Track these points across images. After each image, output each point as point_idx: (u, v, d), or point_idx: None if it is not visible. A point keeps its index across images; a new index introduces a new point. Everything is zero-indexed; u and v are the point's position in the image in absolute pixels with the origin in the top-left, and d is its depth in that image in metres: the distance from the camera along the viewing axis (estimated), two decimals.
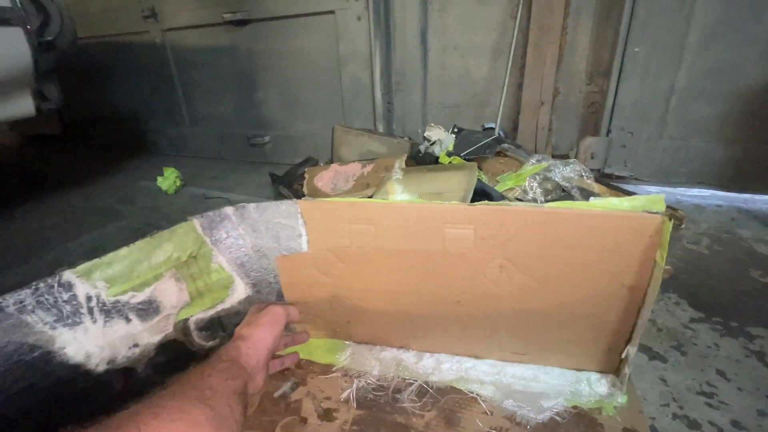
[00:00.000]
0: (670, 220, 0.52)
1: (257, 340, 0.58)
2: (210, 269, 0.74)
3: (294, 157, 2.07)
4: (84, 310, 0.60)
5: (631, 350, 0.62)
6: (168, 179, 1.88)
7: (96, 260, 0.61)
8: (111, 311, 0.63)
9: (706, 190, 1.51)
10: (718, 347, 0.80)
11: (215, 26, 2.08)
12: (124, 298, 0.64)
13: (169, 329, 0.70)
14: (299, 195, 1.50)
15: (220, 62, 2.21)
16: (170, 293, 0.69)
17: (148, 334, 0.68)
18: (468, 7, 1.64)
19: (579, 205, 0.57)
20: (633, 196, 0.55)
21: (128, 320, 0.65)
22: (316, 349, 0.83)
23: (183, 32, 2.21)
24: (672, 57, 1.37)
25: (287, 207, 0.72)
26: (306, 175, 1.51)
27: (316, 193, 1.43)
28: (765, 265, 1.05)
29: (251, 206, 0.74)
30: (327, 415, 0.70)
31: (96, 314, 0.61)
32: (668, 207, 1.22)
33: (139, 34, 2.33)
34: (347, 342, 0.83)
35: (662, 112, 1.44)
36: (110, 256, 0.63)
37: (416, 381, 0.73)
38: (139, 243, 0.65)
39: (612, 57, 1.42)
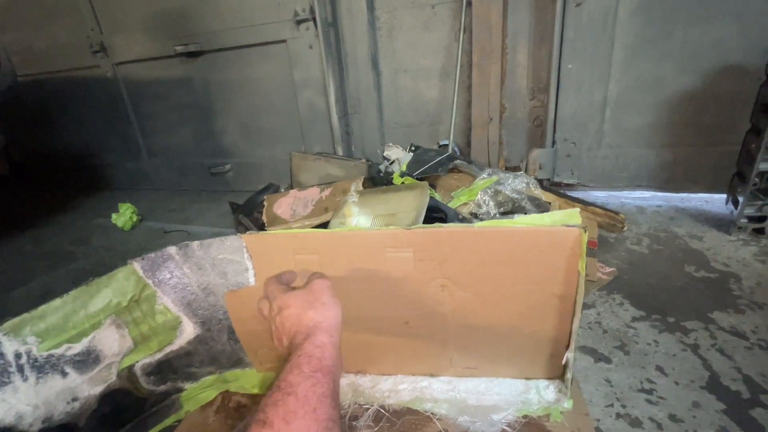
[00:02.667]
0: (585, 231, 0.56)
1: (332, 322, 0.51)
2: (154, 311, 0.72)
3: (256, 184, 2.05)
4: (13, 369, 0.57)
5: (570, 356, 0.66)
6: (124, 215, 1.82)
7: (25, 315, 0.59)
8: (44, 366, 0.60)
9: (646, 192, 1.61)
10: (657, 344, 0.85)
11: (168, 58, 2.07)
12: (58, 351, 0.62)
13: (112, 378, 0.68)
14: (259, 223, 1.48)
15: (176, 93, 2.19)
16: (111, 341, 0.67)
17: (88, 386, 0.65)
18: (414, 33, 1.72)
19: (505, 223, 0.60)
20: (551, 212, 0.59)
21: (64, 374, 0.62)
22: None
23: (135, 65, 2.18)
24: (601, 72, 1.48)
25: (232, 242, 0.72)
26: (265, 203, 1.50)
27: (275, 221, 1.43)
28: (698, 260, 1.13)
29: (195, 244, 0.73)
30: None
31: (27, 371, 0.59)
32: (610, 211, 1.29)
33: (89, 68, 2.29)
34: None
35: (599, 122, 1.55)
36: (42, 308, 0.60)
37: (373, 405, 0.74)
38: (74, 292, 0.63)
39: (549, 74, 1.52)
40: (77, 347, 0.63)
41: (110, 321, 0.67)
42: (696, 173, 1.50)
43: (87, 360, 0.64)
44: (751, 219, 1.20)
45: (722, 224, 1.30)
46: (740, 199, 1.21)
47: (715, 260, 1.12)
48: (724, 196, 1.36)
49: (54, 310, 0.61)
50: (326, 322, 0.50)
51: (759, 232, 1.20)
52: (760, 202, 1.17)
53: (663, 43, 1.39)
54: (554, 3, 1.42)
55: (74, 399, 0.64)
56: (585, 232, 0.56)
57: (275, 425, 0.37)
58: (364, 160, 1.60)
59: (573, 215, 0.57)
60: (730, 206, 1.31)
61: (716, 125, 1.42)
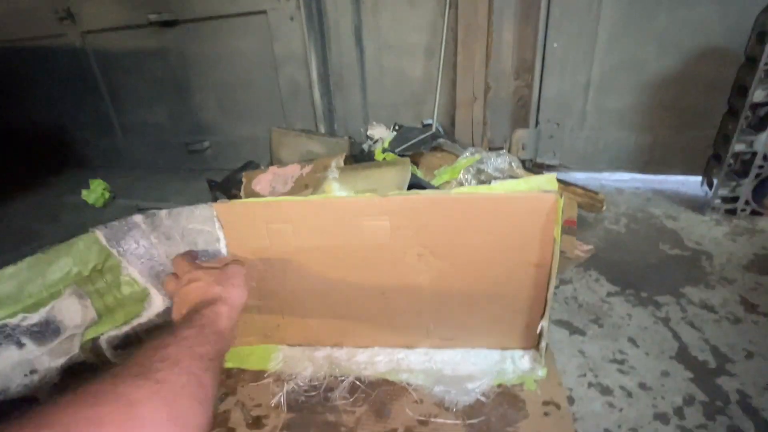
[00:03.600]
0: (561, 197, 0.55)
1: (236, 301, 0.54)
2: (120, 282, 0.69)
3: (236, 162, 1.99)
4: None
5: (544, 324, 0.66)
6: (95, 192, 1.75)
7: None
8: None
9: (626, 174, 1.63)
10: (630, 317, 0.87)
11: (141, 28, 1.96)
12: (13, 321, 0.58)
13: (75, 350, 0.65)
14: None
15: (151, 66, 2.08)
16: (72, 312, 0.63)
17: (48, 358, 0.62)
18: (400, 8, 1.67)
19: (482, 188, 0.59)
20: (528, 177, 0.58)
21: (21, 345, 0.59)
22: (247, 356, 0.80)
23: (105, 35, 2.06)
24: (586, 53, 1.47)
25: (202, 211, 0.69)
26: (243, 180, 1.46)
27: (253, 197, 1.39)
28: (672, 239, 1.15)
29: (163, 213, 0.70)
30: (256, 422, 0.68)
31: None
32: (590, 191, 1.30)
33: (55, 37, 2.14)
34: (280, 346, 0.81)
35: (582, 104, 1.55)
36: None
37: (348, 377, 0.73)
38: (29, 259, 0.60)
39: (534, 53, 1.50)
40: (34, 317, 0.60)
41: (71, 291, 0.63)
42: (673, 156, 1.52)
43: (45, 331, 0.61)
44: (724, 199, 1.23)
45: (697, 205, 1.32)
46: (715, 180, 1.24)
47: (689, 239, 1.15)
48: (699, 178, 1.38)
49: (7, 278, 0.58)
50: (231, 298, 0.53)
51: (731, 212, 1.23)
52: (733, 183, 1.19)
53: (646, 24, 1.39)
54: None
55: (32, 371, 0.61)
56: (561, 197, 0.55)
57: (137, 358, 0.39)
58: (346, 138, 1.57)
59: (550, 180, 0.56)
60: (705, 188, 1.34)
61: (694, 109, 1.44)
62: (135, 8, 1.90)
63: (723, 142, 1.23)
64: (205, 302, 0.51)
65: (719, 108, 1.27)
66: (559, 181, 1.34)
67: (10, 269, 0.58)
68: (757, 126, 1.12)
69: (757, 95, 1.08)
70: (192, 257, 0.62)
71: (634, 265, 1.05)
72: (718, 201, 1.23)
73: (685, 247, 1.11)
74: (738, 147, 1.15)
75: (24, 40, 2.22)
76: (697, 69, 1.39)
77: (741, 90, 1.16)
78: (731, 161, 1.19)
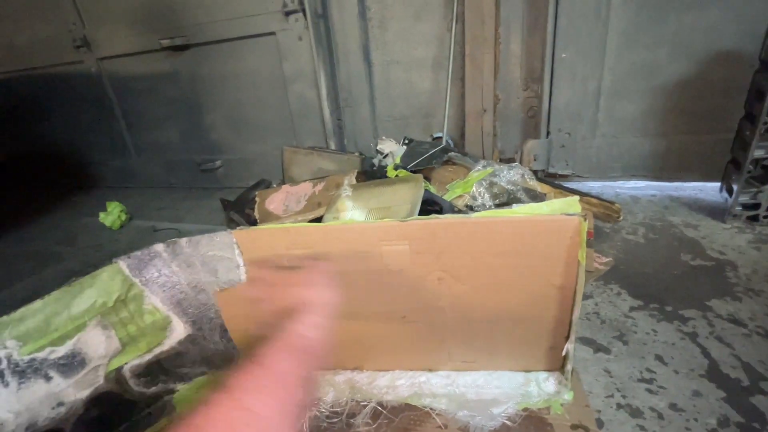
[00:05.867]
0: (585, 219, 0.54)
1: (325, 306, 0.47)
2: (142, 311, 0.69)
3: (248, 180, 2.01)
4: None
5: (570, 347, 0.64)
6: (112, 214, 1.78)
7: (4, 317, 0.56)
8: (26, 371, 0.58)
9: (641, 182, 1.61)
10: (656, 333, 0.85)
11: (154, 52, 2.02)
12: (41, 355, 0.59)
13: (100, 381, 0.66)
14: (251, 219, 1.46)
15: (163, 88, 2.13)
16: (97, 343, 0.64)
17: (74, 390, 0.63)
18: (406, 23, 1.69)
19: (503, 213, 0.58)
20: (551, 201, 0.58)
21: (48, 378, 0.60)
22: None
23: (119, 60, 2.12)
24: (595, 60, 1.46)
25: (222, 238, 0.70)
26: (257, 199, 1.47)
27: (267, 217, 1.40)
28: (693, 249, 1.13)
29: (183, 241, 0.70)
30: None
31: (7, 377, 0.56)
32: (606, 201, 1.29)
33: (72, 64, 2.22)
34: None
35: (593, 112, 1.54)
36: (21, 311, 0.58)
37: (370, 402, 0.72)
38: (56, 293, 0.61)
39: (543, 63, 1.50)
40: (61, 350, 0.60)
41: (95, 322, 0.64)
42: (690, 161, 1.49)
43: (72, 363, 0.62)
44: (745, 206, 1.20)
45: (717, 212, 1.30)
46: (734, 186, 1.21)
47: (711, 248, 1.12)
48: (718, 184, 1.36)
49: (34, 313, 0.59)
50: (320, 303, 0.48)
51: (753, 219, 1.20)
52: (754, 189, 1.17)
53: (657, 29, 1.38)
54: None
55: (60, 404, 0.61)
56: (585, 220, 0.54)
57: (234, 391, 0.34)
58: (357, 154, 1.58)
59: (572, 204, 0.56)
60: (725, 194, 1.31)
61: (710, 113, 1.41)
62: (148, 34, 1.96)
63: (741, 147, 1.21)
64: (294, 311, 0.45)
65: (736, 112, 1.25)
66: (574, 191, 1.33)
67: (37, 303, 0.59)
68: None
69: None
70: (278, 263, 0.55)
71: (656, 278, 1.03)
72: (738, 208, 1.20)
73: (707, 257, 1.09)
74: (758, 153, 1.12)
75: (44, 67, 2.30)
76: (711, 73, 1.38)
77: (758, 95, 1.14)
78: (750, 167, 1.16)
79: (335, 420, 0.70)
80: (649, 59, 1.42)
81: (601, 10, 1.40)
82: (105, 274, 0.65)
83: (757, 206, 1.18)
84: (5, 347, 0.56)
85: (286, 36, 1.76)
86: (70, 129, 2.48)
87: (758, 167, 1.17)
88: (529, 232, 0.57)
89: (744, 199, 1.19)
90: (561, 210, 0.56)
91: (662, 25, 1.38)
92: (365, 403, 0.72)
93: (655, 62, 1.42)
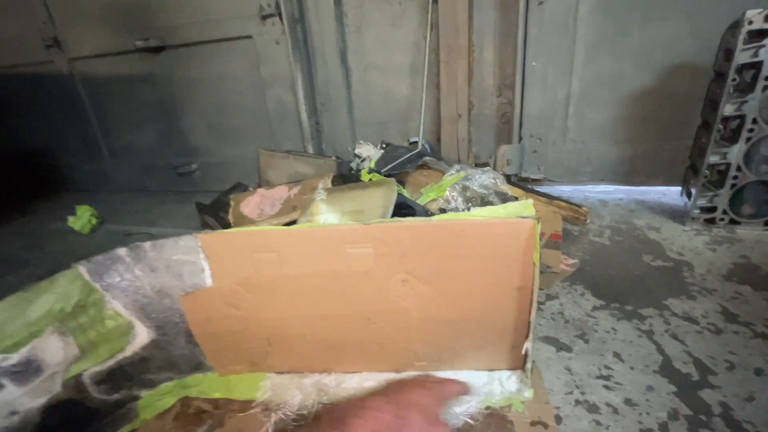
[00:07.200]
0: (538, 222, 0.56)
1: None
2: (103, 317, 0.68)
3: (225, 183, 1.99)
4: None
5: (528, 345, 0.67)
6: (81, 218, 1.73)
7: None
8: None
9: (609, 186, 1.67)
10: (615, 331, 0.88)
11: (128, 54, 1.98)
12: None
13: (57, 389, 0.64)
14: (226, 223, 1.44)
15: (138, 91, 2.10)
16: (53, 349, 0.63)
17: (28, 399, 0.61)
18: (383, 29, 1.71)
19: (462, 216, 0.60)
20: (507, 204, 0.60)
21: (1, 386, 0.58)
22: (235, 386, 0.79)
23: (92, 61, 2.08)
24: (564, 69, 1.52)
25: (186, 242, 0.69)
26: (231, 203, 1.46)
27: (242, 221, 1.39)
28: (654, 250, 1.18)
29: (147, 245, 0.70)
30: None
31: None
32: (574, 204, 1.33)
33: (42, 64, 2.16)
34: (268, 374, 0.81)
35: (563, 118, 1.59)
36: None
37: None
38: (10, 298, 0.59)
39: (514, 71, 1.55)
40: (14, 357, 0.59)
41: (52, 329, 0.63)
42: (654, 167, 1.56)
43: (26, 370, 0.60)
44: (702, 209, 1.26)
45: (677, 215, 1.36)
46: (693, 191, 1.27)
47: (671, 249, 1.17)
48: (680, 188, 1.42)
49: None
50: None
51: (710, 222, 1.26)
52: (710, 194, 1.23)
53: (621, 40, 1.44)
54: (517, 1, 1.45)
55: (12, 412, 0.59)
56: (538, 222, 0.57)
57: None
58: (333, 158, 1.59)
59: (527, 207, 0.58)
60: (684, 198, 1.37)
61: (671, 121, 1.48)
62: (122, 35, 1.93)
63: (698, 153, 1.27)
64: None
65: (694, 120, 1.32)
66: (544, 195, 1.37)
67: None
68: (730, 138, 1.16)
69: (727, 109, 1.12)
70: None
71: (619, 278, 1.07)
72: (697, 211, 1.26)
73: (667, 257, 1.13)
74: (713, 158, 1.18)
75: (10, 67, 2.23)
76: (672, 83, 1.45)
77: (712, 104, 1.20)
78: (707, 172, 1.22)
79: (302, 423, 0.70)
80: (615, 69, 1.48)
81: (569, 20, 1.45)
82: (64, 278, 0.64)
83: (713, 209, 1.24)
84: None
85: (263, 40, 1.76)
86: (40, 131, 2.41)
87: (714, 172, 1.23)
88: (486, 234, 0.59)
89: (701, 202, 1.25)
90: (516, 213, 0.58)
91: (626, 38, 1.44)
92: (332, 406, 0.72)
93: (621, 72, 1.48)
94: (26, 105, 2.34)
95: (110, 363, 0.70)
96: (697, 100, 1.30)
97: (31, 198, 2.41)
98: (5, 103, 2.39)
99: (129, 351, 0.72)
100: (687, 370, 0.76)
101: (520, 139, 1.64)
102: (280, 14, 1.66)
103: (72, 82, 2.15)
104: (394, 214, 1.07)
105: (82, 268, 0.66)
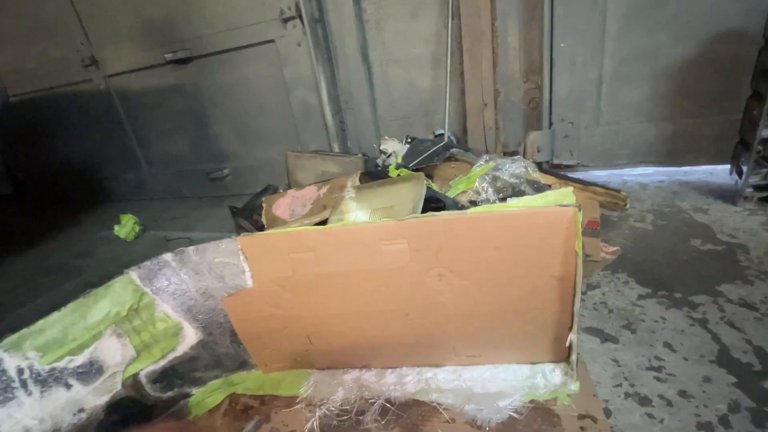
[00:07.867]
0: (580, 210, 0.54)
1: None
2: (154, 319, 0.72)
3: (255, 187, 2.05)
4: (16, 384, 0.58)
5: (573, 337, 0.65)
6: (126, 226, 1.83)
7: (24, 330, 0.59)
8: (47, 380, 0.60)
9: (648, 168, 1.58)
10: (664, 320, 0.84)
11: (159, 67, 2.07)
12: (60, 364, 0.62)
13: (117, 387, 0.68)
14: (259, 225, 1.48)
15: (170, 101, 2.19)
16: (113, 351, 0.67)
17: (93, 397, 0.65)
18: (402, 22, 1.69)
19: (498, 207, 0.59)
20: (545, 192, 0.58)
21: (69, 386, 0.63)
22: (279, 382, 0.82)
23: (127, 76, 2.18)
24: (595, 48, 1.45)
25: (227, 245, 0.72)
26: (264, 205, 1.50)
27: (274, 222, 1.43)
28: (704, 233, 1.11)
29: (190, 249, 0.73)
30: None
31: (30, 386, 0.59)
32: (612, 189, 1.27)
33: (81, 83, 2.29)
34: (310, 370, 0.83)
35: (596, 100, 1.52)
36: (40, 323, 0.61)
37: (379, 399, 0.73)
38: (72, 305, 0.63)
39: (541, 54, 1.49)
40: (79, 359, 0.63)
41: (110, 331, 0.67)
42: (698, 145, 1.46)
43: (90, 371, 0.65)
44: (756, 188, 1.17)
45: (727, 195, 1.27)
46: (744, 168, 1.19)
47: (722, 232, 1.10)
48: (728, 166, 1.33)
49: (52, 324, 0.61)
50: None
51: (765, 200, 1.17)
52: (765, 170, 1.14)
53: (657, 11, 1.35)
54: None
55: (80, 410, 0.64)
56: (579, 210, 0.55)
57: None
58: (359, 155, 1.59)
59: (567, 194, 0.56)
60: (735, 176, 1.28)
61: (716, 93, 1.38)
62: (152, 50, 2.01)
63: (750, 127, 1.18)
64: None
65: (742, 92, 1.22)
66: (578, 181, 1.32)
67: (55, 315, 0.62)
68: None
69: None
70: None
71: (665, 264, 1.01)
72: (749, 189, 1.18)
73: (718, 241, 1.07)
74: (766, 132, 1.10)
75: (54, 87, 2.38)
76: (715, 52, 1.35)
77: (764, 73, 1.11)
78: (760, 147, 1.13)
79: (345, 418, 0.72)
80: (651, 43, 1.40)
81: None
82: (117, 284, 0.68)
83: None
84: (27, 358, 0.59)
85: (285, 42, 1.78)
86: (83, 146, 2.56)
87: None
88: (525, 224, 0.57)
89: (755, 180, 1.17)
90: (556, 201, 0.56)
91: (662, 8, 1.35)
92: (374, 401, 0.73)
93: (657, 45, 1.39)
94: (69, 122, 2.49)
95: (163, 362, 0.74)
96: (745, 69, 1.21)
97: (78, 209, 2.57)
98: (51, 122, 2.55)
99: (179, 350, 0.75)
100: (747, 359, 0.71)
101: (551, 124, 1.59)
102: (300, 16, 1.68)
103: (109, 97, 2.27)
104: (423, 209, 1.07)
105: (133, 274, 0.69)
